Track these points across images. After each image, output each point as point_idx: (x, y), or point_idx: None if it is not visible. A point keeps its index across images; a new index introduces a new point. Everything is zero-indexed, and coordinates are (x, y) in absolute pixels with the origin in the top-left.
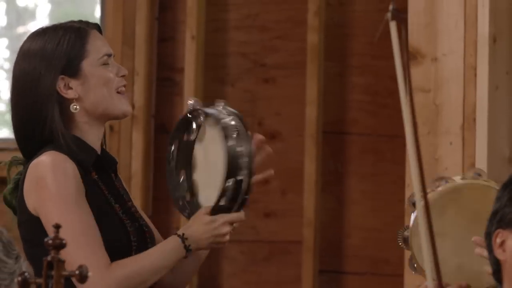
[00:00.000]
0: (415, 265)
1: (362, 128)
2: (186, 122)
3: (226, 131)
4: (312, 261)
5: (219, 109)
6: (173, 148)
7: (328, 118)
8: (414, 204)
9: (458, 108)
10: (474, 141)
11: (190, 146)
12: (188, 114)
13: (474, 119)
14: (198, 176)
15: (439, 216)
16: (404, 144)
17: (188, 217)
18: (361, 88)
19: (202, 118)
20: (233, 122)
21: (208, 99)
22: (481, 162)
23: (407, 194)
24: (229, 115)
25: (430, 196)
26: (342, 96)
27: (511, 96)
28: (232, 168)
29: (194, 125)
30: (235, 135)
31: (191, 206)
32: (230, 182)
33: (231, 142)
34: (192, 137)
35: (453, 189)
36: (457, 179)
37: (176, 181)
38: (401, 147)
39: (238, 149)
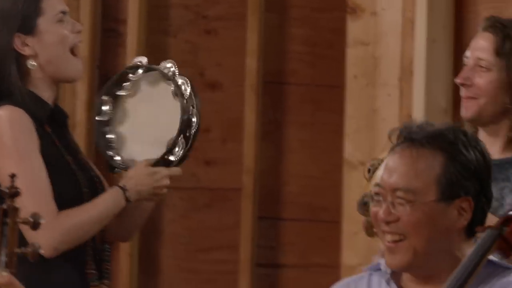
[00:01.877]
0: (370, 230)
1: (301, 79)
2: (123, 77)
3: (179, 89)
4: (251, 208)
5: (167, 66)
6: (106, 101)
7: (268, 68)
8: (370, 171)
9: (396, 60)
10: (412, 93)
11: (125, 100)
12: (128, 69)
13: (412, 71)
14: (133, 130)
15: None
16: (342, 94)
17: (120, 170)
18: (300, 39)
19: (140, 73)
20: (181, 80)
21: (151, 50)
22: (418, 113)
23: (345, 143)
24: (175, 73)
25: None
26: (282, 47)
27: (448, 49)
28: (184, 125)
29: (133, 80)
30: (187, 93)
31: (123, 160)
32: (180, 138)
33: (184, 100)
34: (131, 92)
35: None
36: None
37: (108, 134)
38: (339, 97)
39: (190, 107)
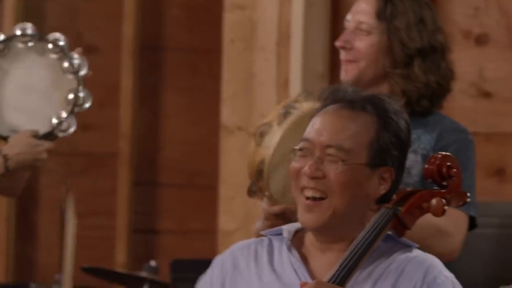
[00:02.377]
0: (258, 193)
1: (178, 43)
2: (10, 42)
3: (72, 66)
4: (128, 173)
5: (57, 38)
6: None
7: (145, 33)
8: (261, 135)
9: (274, 25)
10: (289, 58)
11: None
12: (18, 36)
13: (289, 36)
14: (14, 96)
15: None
16: (219, 59)
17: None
18: (177, 4)
19: (31, 43)
20: (75, 57)
21: (28, 13)
22: (296, 78)
23: (222, 107)
24: (66, 48)
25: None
26: (159, 11)
27: (326, 14)
28: (75, 103)
29: (19, 47)
30: (78, 69)
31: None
32: (69, 115)
33: (75, 77)
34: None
35: (301, 117)
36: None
37: None
38: (216, 62)
39: (80, 84)
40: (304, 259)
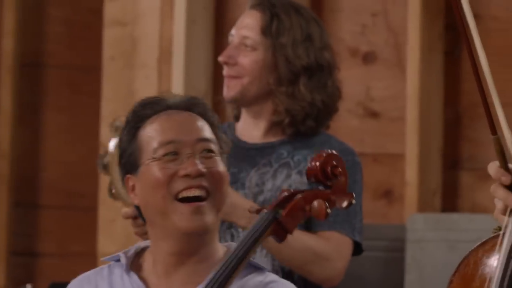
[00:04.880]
0: (113, 191)
1: (59, 61)
2: None
3: None
4: (7, 194)
5: None
6: None
7: (25, 50)
8: (117, 129)
9: (155, 41)
10: (171, 75)
11: None
12: None
13: (171, 53)
14: None
15: None
16: (100, 77)
17: None
18: (58, 20)
19: None
20: None
21: None
22: None
23: (102, 126)
24: None
25: None
26: (39, 27)
27: (208, 30)
28: None
29: None
30: None
31: None
32: None
33: None
34: None
35: None
36: None
37: None
38: (96, 79)
39: None
40: (145, 283)
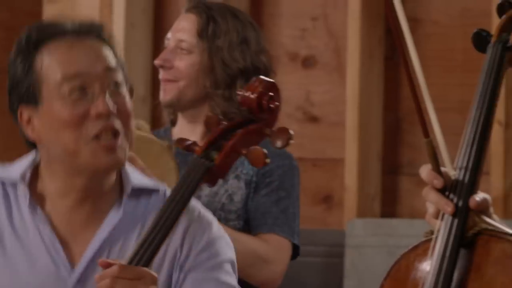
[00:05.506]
0: None
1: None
2: None
3: None
4: None
5: None
6: None
7: None
8: None
9: None
10: None
11: None
12: None
13: None
14: None
15: None
16: None
17: None
18: None
19: None
20: None
21: None
22: None
23: None
24: None
25: None
26: None
27: (147, 34)
28: None
29: None
30: None
31: None
32: None
33: None
34: None
35: None
36: None
37: None
38: None
39: None
40: (49, 219)
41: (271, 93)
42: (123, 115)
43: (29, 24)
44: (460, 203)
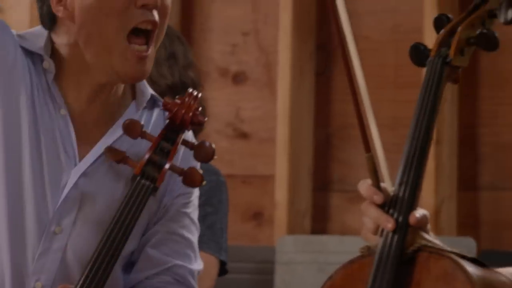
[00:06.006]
0: None
1: None
2: None
3: None
4: None
5: None
6: None
7: None
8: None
9: None
10: None
11: None
12: None
13: None
14: None
15: None
16: None
17: None
18: None
19: None
20: None
21: None
22: None
23: None
24: None
25: None
26: None
27: None
28: None
29: None
30: None
31: None
32: None
33: None
34: None
35: None
36: None
37: None
38: None
39: None
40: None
41: (200, 107)
42: (164, 11)
43: None
44: (400, 219)
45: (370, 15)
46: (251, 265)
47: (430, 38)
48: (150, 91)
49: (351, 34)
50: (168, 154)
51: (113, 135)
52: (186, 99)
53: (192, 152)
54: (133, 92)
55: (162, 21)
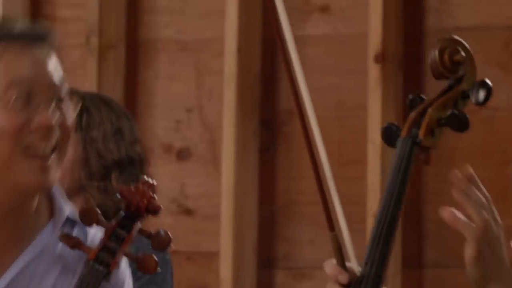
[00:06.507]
0: None
1: None
2: None
3: None
4: None
5: None
6: None
7: None
8: None
9: None
10: None
11: None
12: None
13: None
14: None
15: None
16: None
17: None
18: None
19: None
20: None
21: None
22: None
23: None
24: None
25: None
26: None
27: None
28: None
29: None
30: None
31: None
32: None
33: None
34: None
35: None
36: None
37: None
38: None
39: None
40: None
41: (154, 194)
42: (64, 131)
43: None
44: None
45: (314, 92)
46: None
47: (374, 116)
48: (67, 210)
49: (311, 107)
50: (123, 241)
51: (27, 257)
52: (141, 186)
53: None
54: (50, 210)
55: (64, 141)
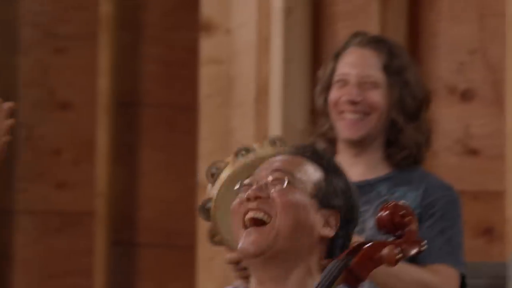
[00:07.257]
0: (216, 238)
1: (155, 99)
2: None
3: None
4: (105, 232)
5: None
6: None
7: (121, 89)
8: (213, 175)
9: (251, 80)
10: (268, 113)
11: None
12: None
13: (267, 92)
14: None
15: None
16: (196, 116)
17: None
18: (154, 59)
19: None
20: None
21: None
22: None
23: (200, 165)
24: None
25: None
26: (135, 66)
27: (304, 69)
28: None
29: None
30: None
31: None
32: None
33: None
34: None
35: (254, 160)
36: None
37: None
38: (193, 118)
39: None
40: None
41: (401, 212)
42: (276, 202)
43: (186, 60)
44: None
45: None
46: (484, 281)
47: None
48: None
49: None
50: None
51: None
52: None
53: None
54: None
55: (278, 209)
